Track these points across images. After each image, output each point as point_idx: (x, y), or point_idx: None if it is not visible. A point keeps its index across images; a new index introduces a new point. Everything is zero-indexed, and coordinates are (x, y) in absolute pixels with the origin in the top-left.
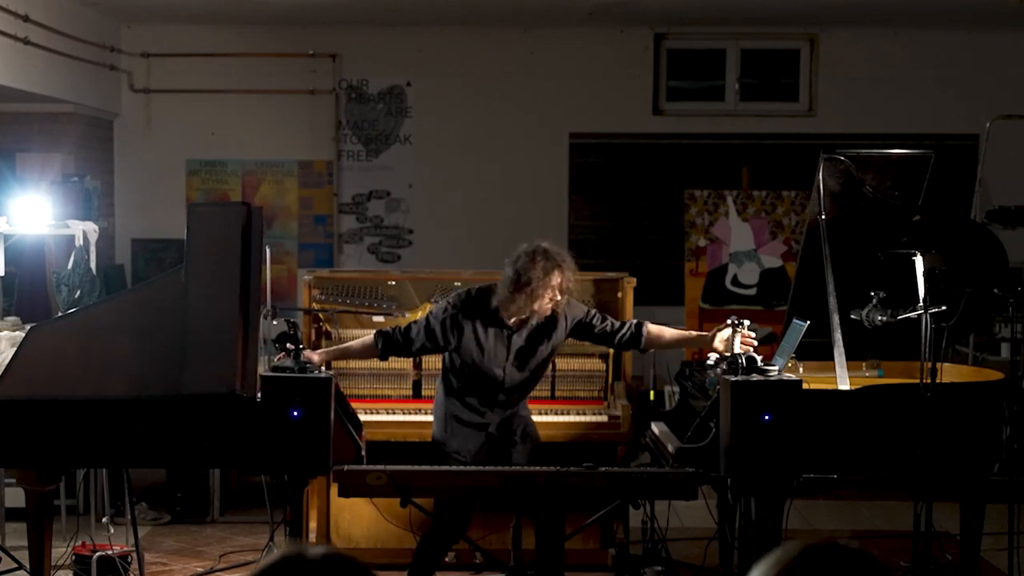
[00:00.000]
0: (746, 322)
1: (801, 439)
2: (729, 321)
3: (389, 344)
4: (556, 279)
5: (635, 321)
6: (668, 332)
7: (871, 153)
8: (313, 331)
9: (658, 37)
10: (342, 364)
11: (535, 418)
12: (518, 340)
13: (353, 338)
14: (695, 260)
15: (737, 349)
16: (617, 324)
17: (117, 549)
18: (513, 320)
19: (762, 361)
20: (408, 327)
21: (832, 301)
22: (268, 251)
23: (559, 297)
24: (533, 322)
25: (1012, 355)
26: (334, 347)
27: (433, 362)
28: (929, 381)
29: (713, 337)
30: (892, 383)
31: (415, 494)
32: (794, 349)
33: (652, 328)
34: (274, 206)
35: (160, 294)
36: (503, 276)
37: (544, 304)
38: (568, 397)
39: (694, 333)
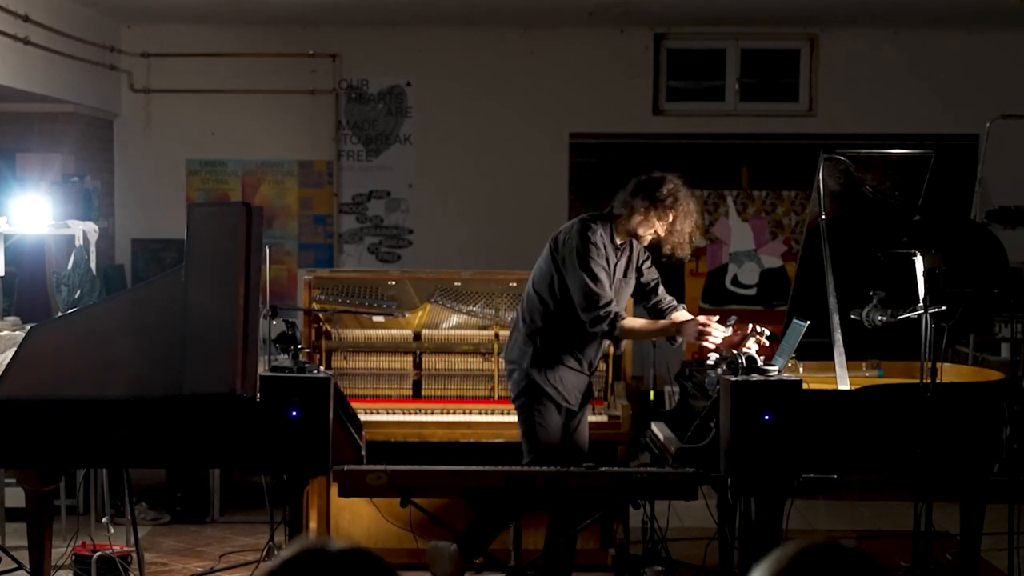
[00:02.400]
0: (733, 318)
1: (801, 439)
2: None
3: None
4: (690, 214)
5: (674, 300)
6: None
7: (871, 153)
8: (313, 331)
9: (658, 37)
10: (342, 364)
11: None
12: (627, 272)
13: (353, 338)
14: (695, 260)
15: (750, 349)
16: (658, 286)
17: (117, 549)
18: (621, 243)
19: (762, 361)
20: (602, 291)
21: (832, 301)
22: (268, 251)
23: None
24: (630, 253)
25: (1012, 355)
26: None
27: (433, 362)
28: (929, 381)
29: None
30: (892, 383)
31: (415, 494)
32: (794, 349)
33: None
34: (274, 206)
35: (160, 294)
36: (628, 196)
37: (668, 228)
38: None
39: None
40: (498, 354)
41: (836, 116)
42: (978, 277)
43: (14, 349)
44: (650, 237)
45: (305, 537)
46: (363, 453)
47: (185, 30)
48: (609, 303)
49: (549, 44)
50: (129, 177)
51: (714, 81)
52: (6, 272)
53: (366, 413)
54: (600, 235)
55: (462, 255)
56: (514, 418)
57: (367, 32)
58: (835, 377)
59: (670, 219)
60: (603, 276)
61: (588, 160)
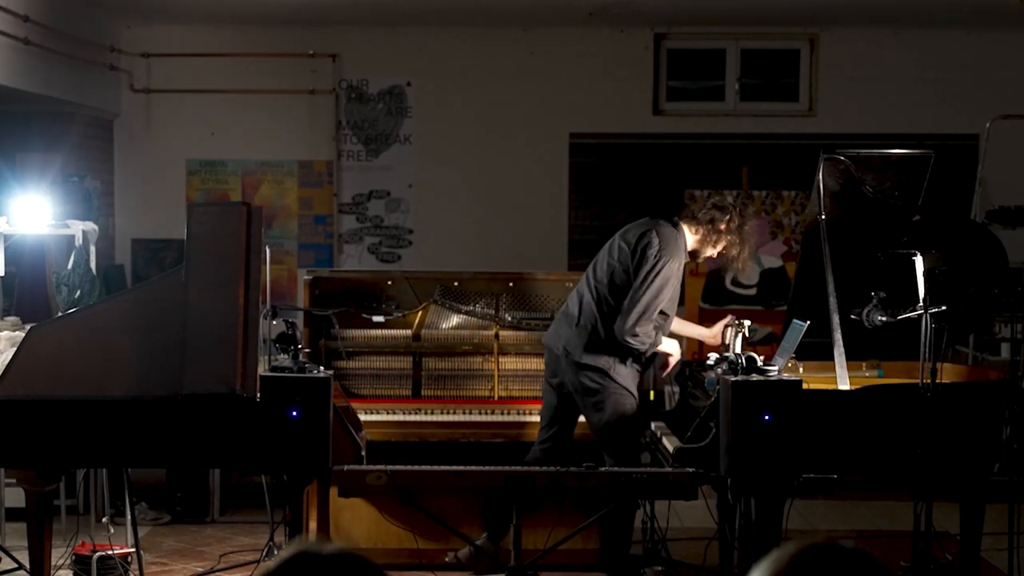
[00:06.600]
0: (747, 322)
1: (801, 439)
2: (728, 320)
3: None
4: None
5: None
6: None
7: (871, 153)
8: (312, 331)
9: (658, 37)
10: (342, 364)
11: (534, 418)
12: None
13: (353, 337)
14: (695, 260)
15: (738, 348)
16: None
17: (117, 549)
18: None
19: (762, 361)
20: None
21: (832, 301)
22: (268, 251)
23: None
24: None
25: (1012, 355)
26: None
27: (433, 363)
28: (929, 381)
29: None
30: (892, 383)
31: (415, 494)
32: (794, 349)
33: None
34: (274, 206)
35: (160, 294)
36: (707, 217)
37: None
38: None
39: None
40: (498, 354)
41: (836, 116)
42: (978, 277)
43: (14, 349)
44: (705, 256)
45: (304, 538)
46: (363, 453)
47: (185, 30)
48: (651, 328)
49: (549, 44)
50: (129, 177)
51: (714, 81)
52: (6, 272)
53: (366, 413)
54: (684, 249)
55: (462, 255)
56: (513, 418)
57: (367, 32)
58: (835, 377)
59: (733, 248)
60: (667, 297)
61: (588, 160)
